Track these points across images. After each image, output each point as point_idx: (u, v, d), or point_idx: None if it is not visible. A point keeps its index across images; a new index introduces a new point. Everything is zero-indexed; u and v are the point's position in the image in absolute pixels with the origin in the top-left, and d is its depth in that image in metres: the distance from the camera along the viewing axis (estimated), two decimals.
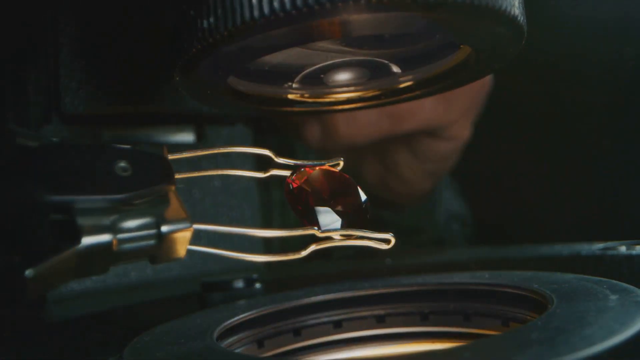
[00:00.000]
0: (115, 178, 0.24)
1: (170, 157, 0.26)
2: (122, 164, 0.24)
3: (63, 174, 0.23)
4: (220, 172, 0.28)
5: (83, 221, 0.22)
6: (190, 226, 0.24)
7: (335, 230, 0.27)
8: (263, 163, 0.53)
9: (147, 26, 0.43)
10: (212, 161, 0.50)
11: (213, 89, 0.33)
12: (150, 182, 0.24)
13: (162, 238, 0.24)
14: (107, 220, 0.23)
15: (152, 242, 0.24)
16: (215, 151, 0.28)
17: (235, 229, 0.26)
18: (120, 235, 0.23)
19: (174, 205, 0.24)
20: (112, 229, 0.23)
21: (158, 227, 0.24)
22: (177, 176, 0.25)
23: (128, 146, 0.25)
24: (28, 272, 0.21)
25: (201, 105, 0.44)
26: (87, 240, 0.22)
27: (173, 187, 0.25)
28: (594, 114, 0.63)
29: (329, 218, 0.27)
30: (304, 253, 0.27)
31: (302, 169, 0.29)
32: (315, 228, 0.27)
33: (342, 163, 0.29)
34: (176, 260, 0.25)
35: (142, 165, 0.24)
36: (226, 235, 0.51)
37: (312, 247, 0.27)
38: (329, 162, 0.29)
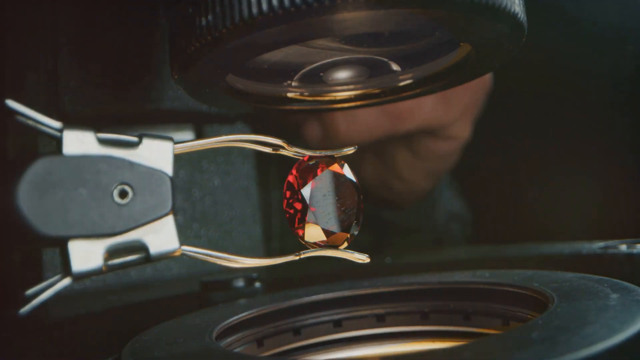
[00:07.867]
0: (113, 209, 0.23)
1: (177, 146, 0.26)
2: (123, 186, 0.24)
3: (58, 204, 0.23)
4: (226, 144, 0.28)
5: (75, 253, 0.23)
6: (179, 249, 0.25)
7: (316, 249, 0.28)
8: (264, 161, 0.53)
9: (146, 25, 0.43)
10: (213, 160, 0.50)
11: (212, 88, 0.33)
12: (148, 214, 0.24)
13: (150, 259, 0.24)
14: (98, 250, 0.23)
15: (140, 262, 0.24)
16: (223, 138, 0.28)
17: (223, 255, 0.26)
18: (111, 262, 0.24)
19: (167, 230, 0.24)
20: (103, 256, 0.23)
21: (147, 251, 0.24)
22: (181, 152, 0.25)
23: (135, 138, 0.25)
24: (22, 311, 0.22)
25: (200, 104, 0.44)
26: (78, 268, 0.23)
27: (171, 214, 0.25)
28: (594, 113, 0.63)
29: (315, 231, 0.28)
30: (281, 260, 0.28)
31: (309, 163, 0.29)
32: (297, 253, 0.28)
33: (353, 150, 0.30)
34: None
35: (144, 188, 0.24)
36: (226, 235, 0.51)
37: (294, 257, 0.28)
38: (341, 150, 0.29)
